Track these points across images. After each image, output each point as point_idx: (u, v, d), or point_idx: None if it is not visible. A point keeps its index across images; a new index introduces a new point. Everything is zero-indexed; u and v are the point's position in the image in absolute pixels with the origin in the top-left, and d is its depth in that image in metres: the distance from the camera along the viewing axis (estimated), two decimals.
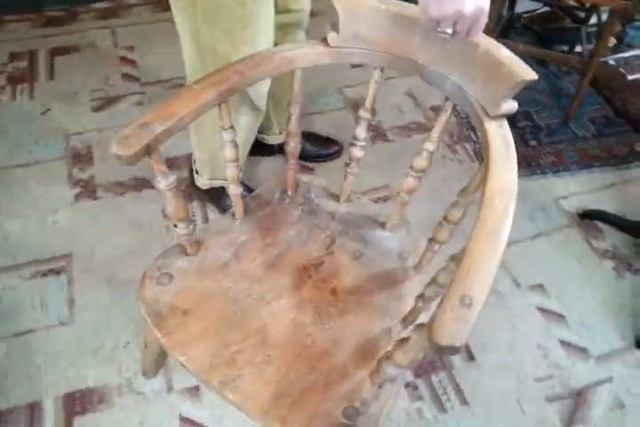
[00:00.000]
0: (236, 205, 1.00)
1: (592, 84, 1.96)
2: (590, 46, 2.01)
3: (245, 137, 1.30)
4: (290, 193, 1.07)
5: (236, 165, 0.93)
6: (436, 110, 1.87)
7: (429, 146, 0.88)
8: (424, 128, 1.80)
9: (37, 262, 1.42)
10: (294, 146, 1.00)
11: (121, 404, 1.21)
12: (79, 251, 1.45)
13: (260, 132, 1.59)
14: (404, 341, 0.72)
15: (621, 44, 2.10)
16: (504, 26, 2.03)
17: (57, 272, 1.40)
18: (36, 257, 1.43)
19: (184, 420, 1.19)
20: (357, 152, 0.98)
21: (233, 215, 1.02)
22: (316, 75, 1.93)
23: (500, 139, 0.76)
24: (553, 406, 1.24)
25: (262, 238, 0.99)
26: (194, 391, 1.23)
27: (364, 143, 0.97)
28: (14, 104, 1.80)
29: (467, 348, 1.32)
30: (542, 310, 1.39)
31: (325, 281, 0.95)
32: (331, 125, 1.80)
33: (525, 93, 1.91)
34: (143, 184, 1.60)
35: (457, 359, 1.30)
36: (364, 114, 0.93)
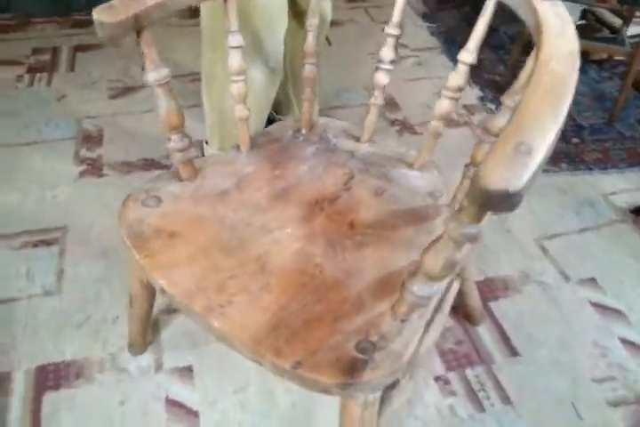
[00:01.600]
0: (242, 135, 0.87)
1: (636, 87, 1.84)
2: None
3: (256, 98, 1.19)
4: (304, 131, 0.94)
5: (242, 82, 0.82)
6: (468, 108, 1.76)
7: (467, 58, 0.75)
8: (455, 124, 1.69)
9: (29, 233, 1.30)
10: (311, 69, 0.88)
11: (101, 380, 1.04)
12: (76, 224, 1.33)
13: (277, 111, 1.49)
14: (434, 241, 0.56)
15: None
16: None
17: (49, 243, 1.28)
18: (29, 228, 1.31)
19: (171, 402, 1.01)
20: (382, 78, 0.86)
21: (237, 148, 0.89)
22: (341, 70, 1.86)
23: (554, 16, 0.63)
24: (617, 411, 1.02)
25: (270, 171, 0.86)
26: (185, 372, 1.05)
27: (390, 67, 0.85)
28: (30, 90, 1.76)
29: (509, 342, 1.12)
30: (597, 306, 1.20)
31: (341, 214, 0.80)
32: (353, 121, 1.69)
33: None
34: (152, 164, 1.50)
35: (497, 354, 1.10)
36: (391, 30, 0.82)
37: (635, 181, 1.51)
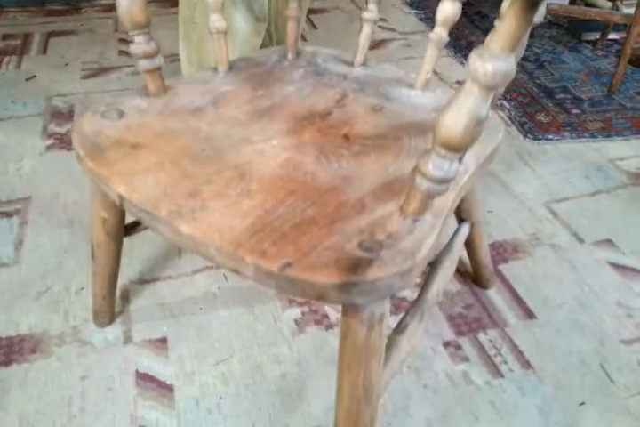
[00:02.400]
0: (219, 52, 0.77)
1: (634, 63, 1.78)
2: (623, 34, 1.88)
3: (240, 49, 1.10)
4: (290, 57, 0.84)
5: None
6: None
7: None
8: None
9: None
10: None
11: (60, 354, 0.89)
12: (40, 195, 1.20)
13: None
14: (451, 97, 0.45)
15: None
16: None
17: (9, 215, 1.15)
18: None
19: (142, 376, 0.87)
20: None
21: (215, 69, 0.79)
22: None
23: None
24: None
25: (251, 91, 0.75)
26: (159, 343, 0.92)
27: None
28: None
29: (523, 304, 1.00)
30: (617, 266, 1.08)
31: (334, 127, 0.69)
32: None
33: (559, 71, 1.73)
34: None
35: (511, 317, 0.98)
36: None
37: None
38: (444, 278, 0.77)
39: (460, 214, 0.86)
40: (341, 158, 0.63)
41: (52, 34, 1.87)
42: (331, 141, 0.66)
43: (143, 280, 1.03)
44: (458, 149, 0.46)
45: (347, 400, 0.56)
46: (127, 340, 0.92)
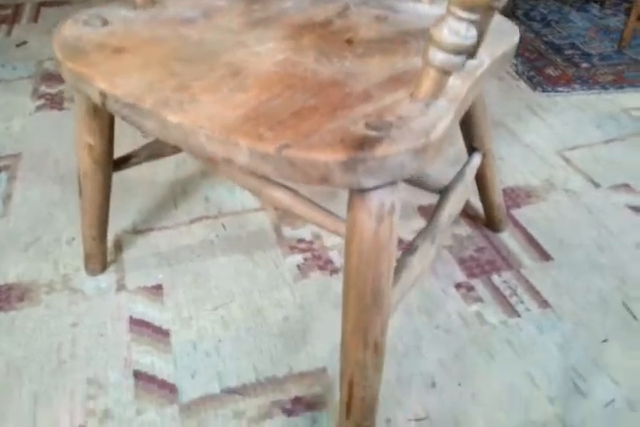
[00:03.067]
0: None
1: None
2: None
3: None
4: None
5: None
6: None
7: None
8: None
9: None
10: None
11: (49, 302, 0.85)
12: (31, 151, 1.16)
13: None
14: None
15: None
16: None
17: None
18: None
19: (136, 322, 0.82)
20: None
21: None
22: None
23: None
24: None
25: (245, 6, 0.70)
26: (154, 291, 0.87)
27: None
28: None
29: (538, 246, 0.95)
30: (636, 209, 1.03)
31: (336, 33, 0.64)
32: None
33: (567, 30, 1.67)
34: None
35: (526, 259, 0.93)
36: None
37: None
38: (457, 204, 0.72)
39: (472, 144, 0.81)
40: (344, 59, 0.58)
41: (43, 4, 1.82)
42: (332, 45, 0.61)
43: (137, 230, 0.98)
44: (475, 3, 0.41)
45: (354, 309, 0.51)
46: (120, 287, 0.87)
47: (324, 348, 0.79)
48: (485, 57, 0.57)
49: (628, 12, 1.68)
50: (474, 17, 0.42)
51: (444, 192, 0.74)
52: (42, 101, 1.32)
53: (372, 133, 0.44)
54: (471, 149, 0.82)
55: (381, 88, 0.51)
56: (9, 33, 1.64)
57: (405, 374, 0.76)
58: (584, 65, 1.49)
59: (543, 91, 1.37)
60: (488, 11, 0.46)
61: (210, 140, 0.46)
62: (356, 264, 0.49)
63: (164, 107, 0.48)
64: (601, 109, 1.31)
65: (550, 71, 1.45)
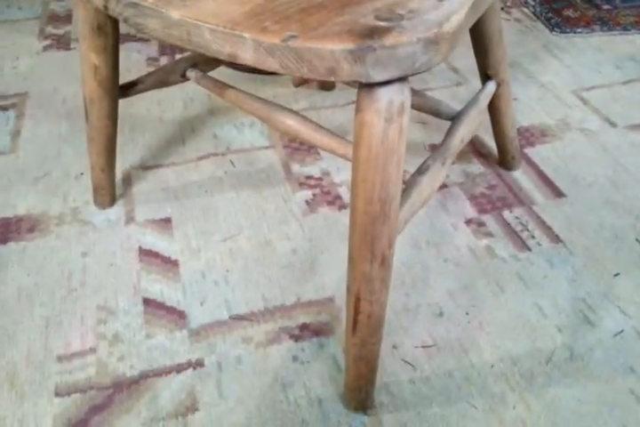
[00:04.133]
0: None
1: None
2: None
3: None
4: None
5: None
6: None
7: None
8: None
9: None
10: None
11: (59, 233, 0.85)
12: (38, 90, 1.14)
13: None
14: None
15: None
16: None
17: (4, 108, 1.09)
18: None
19: (145, 253, 0.82)
20: None
21: None
22: None
23: None
24: None
25: None
26: (163, 223, 0.87)
27: None
28: None
29: (551, 184, 0.93)
30: None
31: None
32: None
33: None
34: (127, 38, 1.31)
35: (538, 196, 0.91)
36: None
37: None
38: (470, 128, 0.70)
39: (486, 71, 0.78)
40: None
41: None
42: None
43: (146, 166, 0.97)
44: None
45: (361, 219, 0.50)
46: (129, 220, 0.87)
47: (331, 278, 0.79)
48: None
49: None
50: None
51: (456, 117, 0.72)
52: (48, 42, 1.29)
53: (382, 24, 0.42)
54: (486, 78, 0.79)
55: None
56: None
57: (413, 304, 0.76)
58: (605, 6, 1.43)
59: (561, 32, 1.33)
60: None
61: (214, 34, 0.44)
62: (363, 170, 0.48)
63: (166, 4, 0.47)
64: (621, 51, 1.27)
65: (569, 13, 1.40)
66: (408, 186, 0.59)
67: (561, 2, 1.44)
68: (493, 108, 0.84)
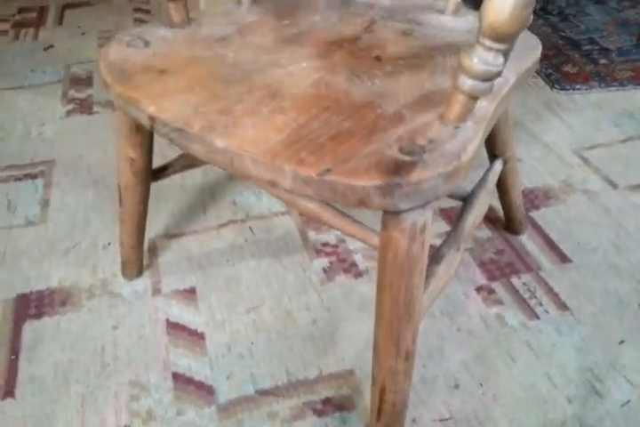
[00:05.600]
0: None
1: None
2: None
3: None
4: None
5: None
6: None
7: None
8: None
9: (13, 168, 1.17)
10: None
11: (90, 307, 0.89)
12: (64, 157, 1.20)
13: None
14: None
15: None
16: None
17: (33, 177, 1.15)
18: (13, 163, 1.18)
19: (172, 325, 0.86)
20: None
21: (238, 2, 0.76)
22: None
23: None
24: None
25: (277, 20, 0.73)
26: (188, 294, 0.91)
27: None
28: (15, 43, 1.65)
29: (557, 249, 0.98)
30: None
31: (365, 50, 0.66)
32: None
33: (585, 24, 1.68)
34: None
35: (545, 261, 0.96)
36: None
37: None
38: (480, 211, 0.75)
39: (494, 151, 0.83)
40: (374, 77, 0.60)
41: (67, 6, 1.86)
42: (362, 63, 0.63)
43: (170, 235, 1.02)
44: (505, 36, 0.43)
45: (387, 318, 0.54)
46: (156, 291, 0.91)
47: (351, 350, 0.82)
48: (510, 74, 0.60)
49: None
50: (502, 46, 0.45)
51: (467, 199, 0.77)
52: (72, 106, 1.36)
53: (406, 158, 0.47)
54: (492, 156, 0.84)
55: (412, 109, 0.54)
56: (36, 36, 1.68)
57: (430, 376, 0.79)
58: (602, 61, 1.50)
59: (562, 89, 1.39)
60: (515, 37, 0.49)
61: (255, 164, 0.49)
62: (390, 277, 0.52)
63: (210, 131, 0.52)
64: (619, 107, 1.33)
65: (568, 68, 1.46)
66: (426, 277, 0.64)
67: (559, 57, 1.51)
68: (501, 181, 0.89)
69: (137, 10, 1.81)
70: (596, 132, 1.25)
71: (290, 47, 0.67)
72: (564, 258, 0.96)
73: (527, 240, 1.00)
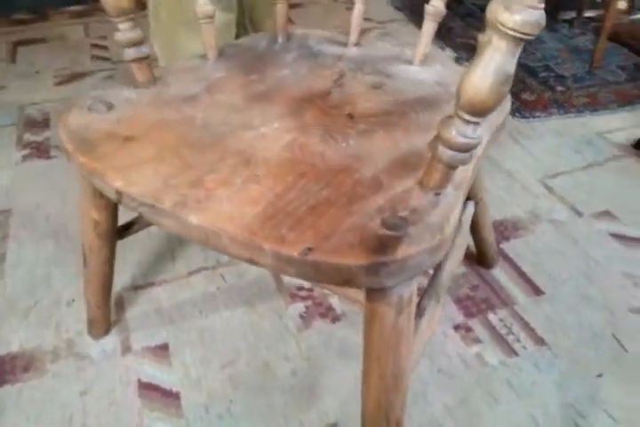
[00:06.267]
0: (207, 38, 0.73)
1: (612, 39, 1.78)
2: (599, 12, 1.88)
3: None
4: (280, 40, 0.81)
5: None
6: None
7: None
8: None
9: None
10: None
11: (56, 371, 0.84)
12: (21, 206, 1.15)
13: None
14: (477, 55, 0.43)
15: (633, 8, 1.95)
16: None
17: None
18: None
19: (145, 386, 0.82)
20: None
21: (203, 56, 0.75)
22: None
23: None
24: None
25: (244, 76, 0.71)
26: (160, 351, 0.87)
27: None
28: None
29: (529, 281, 0.99)
30: (618, 237, 1.07)
31: (336, 107, 0.65)
32: None
33: (540, 51, 1.72)
34: None
35: (519, 295, 0.96)
36: None
37: (629, 120, 1.43)
38: (456, 259, 0.75)
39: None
40: (348, 137, 0.60)
41: (19, 43, 1.80)
42: (335, 121, 0.63)
43: (137, 286, 0.98)
44: (483, 111, 0.43)
45: (375, 392, 0.53)
46: (126, 349, 0.88)
47: (334, 402, 0.81)
48: (484, 133, 0.60)
49: (595, 32, 1.74)
50: (480, 119, 0.45)
51: None
52: (27, 150, 1.30)
53: (390, 233, 0.46)
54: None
55: (390, 174, 0.54)
56: None
57: (415, 423, 0.78)
58: (559, 88, 1.54)
59: (522, 117, 1.42)
60: (492, 111, 0.49)
61: (232, 241, 0.47)
62: (377, 351, 0.51)
63: (182, 207, 0.50)
64: (578, 134, 1.36)
65: (527, 96, 1.50)
66: None
67: (518, 85, 1.54)
68: (473, 222, 0.89)
69: (94, 46, 1.77)
70: (558, 159, 1.28)
71: (260, 105, 0.65)
72: (537, 290, 0.97)
73: (500, 273, 1.00)
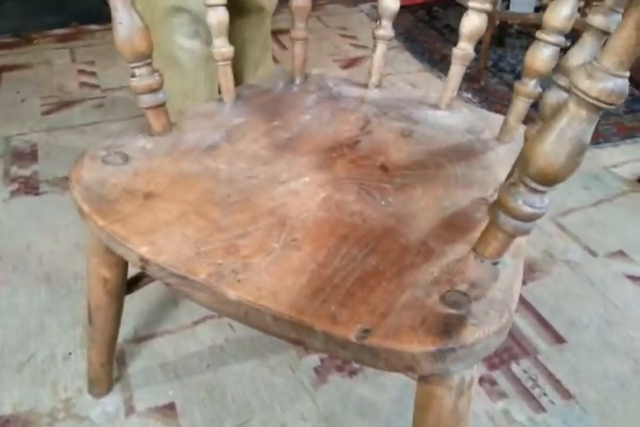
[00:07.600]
0: (224, 81, 0.69)
1: None
2: None
3: (194, 78, 0.99)
4: (298, 81, 0.77)
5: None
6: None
7: None
8: None
9: None
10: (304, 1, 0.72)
11: None
12: (10, 248, 1.08)
13: None
14: (547, 121, 0.39)
15: None
16: (497, 34, 1.89)
17: None
18: None
19: None
20: (392, 3, 0.71)
21: (220, 100, 0.71)
22: None
23: None
24: None
25: (266, 122, 0.67)
26: (166, 411, 0.81)
27: None
28: None
29: (550, 328, 0.95)
30: (633, 278, 1.05)
31: (367, 158, 0.62)
32: None
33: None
34: None
35: (541, 343, 0.92)
36: None
37: (632, 153, 1.42)
38: None
39: None
40: (386, 193, 0.56)
41: (4, 68, 1.74)
42: (368, 174, 0.59)
43: (139, 338, 0.92)
44: (555, 181, 0.40)
45: None
46: (129, 410, 0.81)
47: None
48: None
49: None
50: (549, 189, 0.41)
51: None
52: (15, 186, 1.24)
53: (453, 312, 0.41)
54: None
55: (437, 238, 0.50)
56: None
57: None
58: None
59: None
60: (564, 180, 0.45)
61: (277, 321, 0.42)
62: None
63: (218, 279, 0.45)
64: (585, 169, 1.35)
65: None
66: None
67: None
68: None
69: (81, 72, 1.72)
70: (568, 196, 1.26)
71: (286, 155, 0.61)
72: (558, 338, 0.93)
73: (520, 320, 0.96)
